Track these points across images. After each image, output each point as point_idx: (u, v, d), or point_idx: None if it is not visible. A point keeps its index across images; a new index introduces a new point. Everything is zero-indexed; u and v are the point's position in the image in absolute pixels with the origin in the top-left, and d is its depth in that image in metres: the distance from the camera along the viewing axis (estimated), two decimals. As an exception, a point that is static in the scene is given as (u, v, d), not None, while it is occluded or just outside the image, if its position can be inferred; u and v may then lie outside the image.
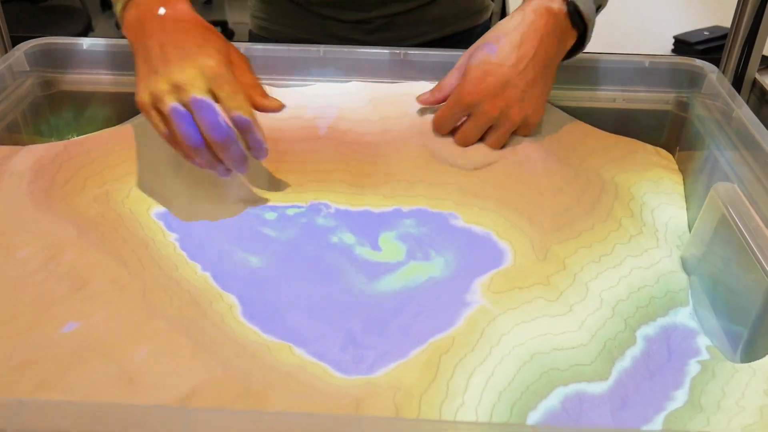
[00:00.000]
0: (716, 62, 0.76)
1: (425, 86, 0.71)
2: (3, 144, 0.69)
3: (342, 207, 0.63)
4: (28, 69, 0.75)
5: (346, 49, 0.74)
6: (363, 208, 0.63)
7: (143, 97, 0.57)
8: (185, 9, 0.62)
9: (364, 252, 0.59)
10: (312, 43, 0.92)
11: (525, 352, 0.50)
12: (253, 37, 1.00)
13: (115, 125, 0.75)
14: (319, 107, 0.71)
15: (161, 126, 0.57)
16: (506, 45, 0.64)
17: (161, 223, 0.61)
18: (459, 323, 0.52)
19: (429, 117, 0.70)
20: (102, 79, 0.76)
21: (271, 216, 0.62)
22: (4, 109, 0.72)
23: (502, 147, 0.67)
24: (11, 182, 0.62)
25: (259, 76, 0.63)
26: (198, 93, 0.55)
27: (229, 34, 3.25)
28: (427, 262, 0.58)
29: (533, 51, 0.64)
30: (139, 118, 0.73)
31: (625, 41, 1.34)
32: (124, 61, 0.75)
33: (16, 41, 0.78)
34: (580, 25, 0.66)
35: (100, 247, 0.56)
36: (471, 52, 0.67)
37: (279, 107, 0.62)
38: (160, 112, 0.57)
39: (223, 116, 0.56)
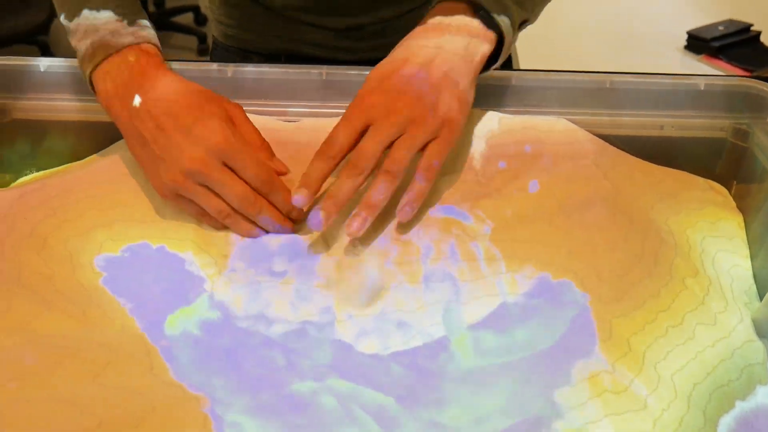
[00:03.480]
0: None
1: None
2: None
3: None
4: (-26, 95, 0.63)
5: (353, 72, 0.63)
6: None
7: (163, 191, 0.55)
8: (165, 76, 0.57)
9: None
10: (295, 53, 0.82)
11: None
12: (218, 47, 0.87)
13: (78, 158, 0.64)
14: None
15: (191, 208, 0.55)
16: (400, 55, 0.57)
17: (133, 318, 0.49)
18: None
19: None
20: (63, 106, 0.65)
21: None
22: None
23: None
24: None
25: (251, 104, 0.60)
26: (214, 173, 0.53)
27: (201, 20, 3.11)
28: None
29: (434, 53, 0.56)
30: (108, 152, 0.62)
31: (634, 38, 1.25)
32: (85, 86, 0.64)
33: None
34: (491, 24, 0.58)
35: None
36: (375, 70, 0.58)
37: (285, 172, 0.58)
38: (183, 196, 0.55)
39: (245, 186, 0.54)
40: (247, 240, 0.55)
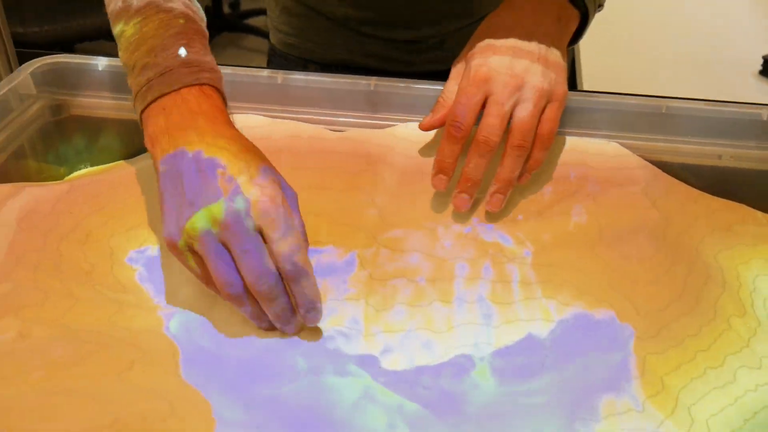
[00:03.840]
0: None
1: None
2: (9, 173, 0.60)
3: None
4: (35, 92, 0.65)
5: (401, 84, 0.63)
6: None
7: (173, 234, 0.46)
8: (228, 129, 0.49)
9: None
10: (351, 64, 0.82)
11: None
12: (276, 54, 0.88)
13: (130, 157, 0.65)
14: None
15: (195, 268, 0.47)
16: (501, 31, 0.58)
17: (161, 316, 0.50)
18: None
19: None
20: (119, 105, 0.67)
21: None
22: (8, 136, 0.63)
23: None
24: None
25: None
26: (244, 233, 0.44)
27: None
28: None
29: (534, 29, 0.57)
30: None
31: (706, 62, 1.20)
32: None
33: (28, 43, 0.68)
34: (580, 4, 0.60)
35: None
36: (465, 56, 0.59)
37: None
38: (194, 251, 0.46)
39: (271, 263, 0.45)
40: None
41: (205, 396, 0.44)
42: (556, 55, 0.57)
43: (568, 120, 0.62)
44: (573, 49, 1.23)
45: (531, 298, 0.51)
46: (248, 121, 0.63)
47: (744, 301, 0.52)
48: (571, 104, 0.61)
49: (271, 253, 0.45)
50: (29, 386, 0.42)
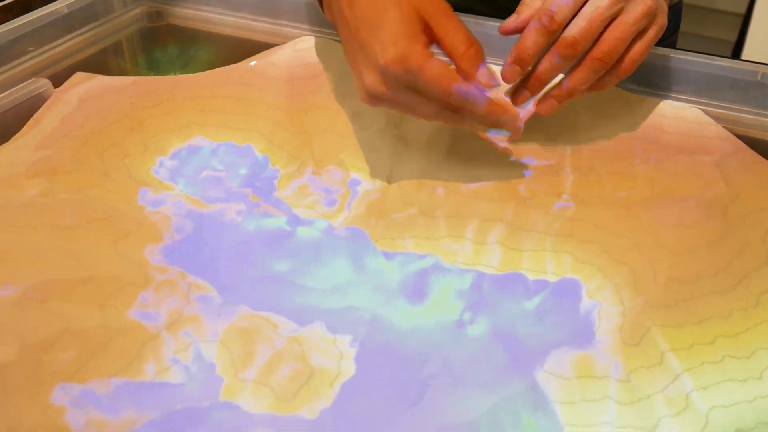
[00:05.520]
0: None
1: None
2: (99, 69, 0.64)
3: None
4: (139, -3, 0.69)
5: (471, 19, 0.59)
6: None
7: (362, 94, 0.48)
8: None
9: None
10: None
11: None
12: None
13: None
14: None
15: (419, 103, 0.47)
16: None
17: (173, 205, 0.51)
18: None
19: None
20: (217, 19, 0.69)
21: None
22: (105, 33, 0.67)
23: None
24: (54, 110, 0.56)
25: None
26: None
27: None
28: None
29: None
30: (239, 68, 0.64)
31: None
32: (241, 3, 0.67)
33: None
34: None
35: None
36: None
37: (492, 84, 0.47)
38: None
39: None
40: None
41: (187, 272, 0.45)
42: None
43: (649, 77, 0.56)
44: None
45: (541, 250, 0.47)
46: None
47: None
48: (655, 61, 0.55)
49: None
50: (30, 237, 0.45)
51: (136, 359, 0.39)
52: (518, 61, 0.49)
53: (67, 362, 0.37)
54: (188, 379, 0.39)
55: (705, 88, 0.55)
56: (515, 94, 0.51)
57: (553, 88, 0.51)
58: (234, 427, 0.37)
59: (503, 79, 0.50)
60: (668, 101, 0.56)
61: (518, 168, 0.53)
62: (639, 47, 0.50)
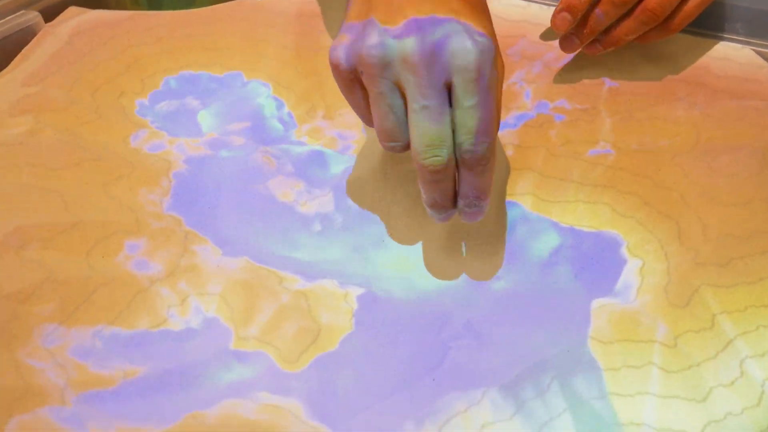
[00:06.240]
0: None
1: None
2: (94, 1, 0.59)
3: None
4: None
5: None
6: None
7: (341, 57, 0.35)
8: None
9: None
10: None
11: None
12: None
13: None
14: None
15: (358, 101, 0.37)
16: None
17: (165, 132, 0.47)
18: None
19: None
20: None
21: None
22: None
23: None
24: (44, 44, 0.52)
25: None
26: (431, 83, 0.33)
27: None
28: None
29: None
30: (245, 2, 0.59)
31: None
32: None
33: None
34: None
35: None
36: None
37: None
38: (362, 83, 0.36)
39: (449, 132, 0.34)
40: None
41: (184, 219, 0.41)
42: None
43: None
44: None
45: (575, 201, 0.42)
46: None
47: None
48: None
49: (454, 121, 0.34)
50: (11, 178, 0.41)
51: (125, 312, 0.35)
52: (568, 8, 0.46)
53: (47, 315, 0.34)
54: (186, 335, 0.35)
55: (759, 27, 0.50)
56: (564, 41, 0.49)
57: (600, 33, 0.48)
58: (234, 384, 0.33)
59: (553, 27, 0.47)
60: (717, 41, 0.50)
61: (550, 111, 0.48)
62: (692, 4, 0.46)
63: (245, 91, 0.51)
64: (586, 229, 0.41)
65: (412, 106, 0.34)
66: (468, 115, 0.33)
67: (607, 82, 0.50)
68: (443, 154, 0.34)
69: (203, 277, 0.38)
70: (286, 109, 0.50)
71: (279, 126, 0.49)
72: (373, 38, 0.34)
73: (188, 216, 0.42)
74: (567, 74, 0.50)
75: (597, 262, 0.39)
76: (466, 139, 0.34)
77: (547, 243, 0.41)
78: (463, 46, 0.33)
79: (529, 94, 0.49)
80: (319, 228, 0.42)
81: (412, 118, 0.34)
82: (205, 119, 0.49)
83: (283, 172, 0.45)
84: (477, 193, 0.36)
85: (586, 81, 0.50)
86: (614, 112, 0.48)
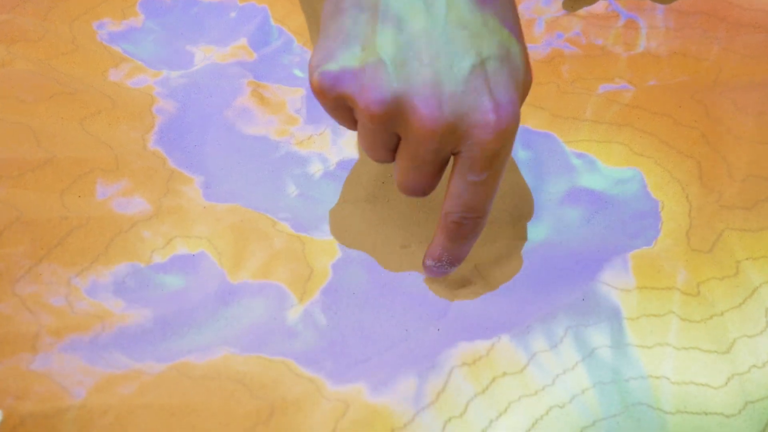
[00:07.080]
0: None
1: None
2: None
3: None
4: None
5: None
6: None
7: (324, 77, 0.28)
8: None
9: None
10: None
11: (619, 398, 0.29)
12: None
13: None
14: None
15: (347, 122, 0.30)
16: None
17: (154, 84, 0.44)
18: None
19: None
20: None
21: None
22: None
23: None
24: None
25: None
26: (431, 148, 0.28)
27: None
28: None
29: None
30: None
31: None
32: None
33: None
34: None
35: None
36: None
37: None
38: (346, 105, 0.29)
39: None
40: None
41: (169, 157, 0.38)
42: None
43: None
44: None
45: (588, 140, 0.39)
46: None
47: None
48: None
49: (451, 184, 0.29)
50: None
51: (103, 255, 0.32)
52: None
53: (16, 258, 0.31)
54: (170, 281, 0.33)
55: (786, -44, 0.46)
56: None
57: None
58: (222, 333, 0.31)
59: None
60: (740, -29, 0.47)
61: (560, 45, 0.45)
62: None
63: (238, 17, 0.48)
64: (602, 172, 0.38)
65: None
66: (469, 190, 0.28)
67: (622, 15, 0.46)
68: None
69: (189, 220, 0.35)
70: (283, 42, 0.47)
71: (274, 62, 0.45)
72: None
73: (173, 154, 0.39)
74: (579, 5, 0.47)
75: (614, 204, 0.37)
76: (456, 210, 0.29)
77: (560, 184, 0.38)
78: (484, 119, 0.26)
79: (541, 25, 0.46)
80: (316, 169, 0.39)
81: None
82: (193, 50, 0.46)
83: (277, 109, 0.42)
84: (452, 259, 0.31)
85: (600, 13, 0.46)
86: (629, 46, 0.44)
